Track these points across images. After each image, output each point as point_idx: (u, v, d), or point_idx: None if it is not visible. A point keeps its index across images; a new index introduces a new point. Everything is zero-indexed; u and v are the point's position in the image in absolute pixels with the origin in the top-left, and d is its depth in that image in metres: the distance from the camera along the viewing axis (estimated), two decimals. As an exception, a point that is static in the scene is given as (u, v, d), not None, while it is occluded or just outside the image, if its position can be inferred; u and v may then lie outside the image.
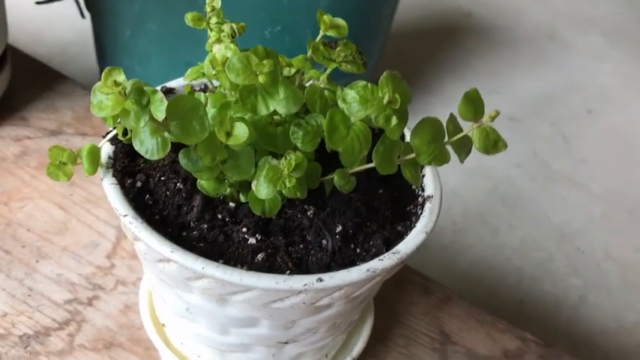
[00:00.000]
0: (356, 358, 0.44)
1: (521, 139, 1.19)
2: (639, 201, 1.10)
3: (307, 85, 0.37)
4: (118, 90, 0.26)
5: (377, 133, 0.34)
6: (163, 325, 0.41)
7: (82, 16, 0.83)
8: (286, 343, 0.36)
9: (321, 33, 0.34)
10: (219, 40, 0.34)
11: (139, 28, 0.72)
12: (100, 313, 0.48)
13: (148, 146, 0.29)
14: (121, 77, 0.26)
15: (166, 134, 0.29)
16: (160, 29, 0.70)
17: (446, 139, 0.30)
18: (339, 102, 0.29)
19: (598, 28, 1.57)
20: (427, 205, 0.36)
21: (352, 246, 0.34)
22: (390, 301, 0.54)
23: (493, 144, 0.28)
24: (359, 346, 0.44)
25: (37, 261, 0.51)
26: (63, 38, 1.18)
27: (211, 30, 0.35)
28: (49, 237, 0.54)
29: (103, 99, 0.27)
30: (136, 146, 0.29)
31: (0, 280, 0.49)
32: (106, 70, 0.26)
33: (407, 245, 0.33)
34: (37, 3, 0.78)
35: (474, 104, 0.28)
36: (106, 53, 0.81)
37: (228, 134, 0.30)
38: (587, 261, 0.96)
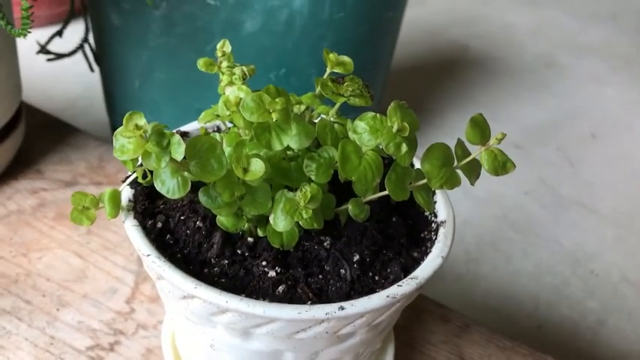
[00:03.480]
0: (379, 389, 0.44)
1: (527, 165, 1.20)
2: (651, 221, 1.09)
3: (317, 120, 0.38)
4: (140, 133, 0.27)
5: (387, 163, 0.35)
6: (187, 364, 0.42)
7: (92, 69, 0.85)
8: (310, 375, 0.37)
9: (328, 70, 0.36)
10: (231, 83, 0.36)
11: (147, 78, 0.74)
12: (122, 358, 0.49)
13: (169, 186, 0.30)
14: (141, 121, 0.28)
15: (186, 174, 0.30)
16: (169, 78, 0.72)
17: (455, 163, 0.31)
18: (350, 133, 0.30)
19: (596, 55, 1.60)
20: (441, 231, 0.37)
21: (370, 274, 0.35)
22: (409, 331, 0.54)
23: (502, 165, 0.29)
24: (382, 376, 0.44)
25: (57, 309, 0.52)
26: (72, 93, 1.21)
27: (223, 74, 0.36)
28: (68, 285, 0.54)
29: (125, 143, 0.28)
30: (158, 186, 0.30)
31: (22, 330, 0.50)
32: (127, 114, 0.28)
33: (424, 270, 0.34)
34: (49, 60, 0.81)
35: (480, 128, 0.29)
36: (115, 104, 0.83)
37: (245, 170, 0.31)
38: (604, 284, 0.95)
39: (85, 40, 0.81)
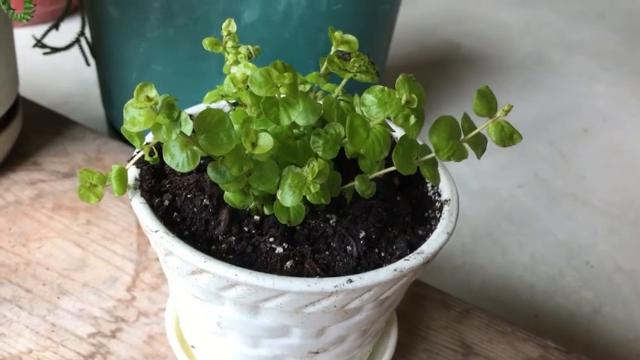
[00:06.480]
0: (383, 370, 0.44)
1: (521, 160, 1.21)
2: (642, 213, 1.11)
3: (322, 99, 0.39)
4: (151, 105, 0.28)
5: (394, 141, 0.36)
6: (192, 347, 0.42)
7: (87, 63, 0.85)
8: (317, 353, 0.37)
9: (333, 48, 0.36)
10: (236, 62, 0.36)
11: (145, 70, 0.74)
12: (124, 345, 0.49)
13: (178, 160, 0.30)
14: (152, 93, 0.28)
15: (195, 148, 0.30)
16: (167, 70, 0.72)
17: (462, 137, 0.31)
18: (358, 107, 0.31)
19: (586, 52, 1.62)
20: (445, 208, 0.38)
21: (376, 250, 0.35)
22: (410, 317, 0.54)
23: (509, 136, 0.29)
24: (386, 357, 0.44)
25: (58, 297, 0.52)
26: (66, 90, 1.21)
27: (228, 53, 0.36)
28: (68, 274, 0.54)
29: (136, 115, 0.28)
30: (167, 160, 0.30)
31: (23, 318, 0.50)
32: (138, 86, 0.28)
33: (430, 245, 0.34)
34: (45, 54, 0.80)
35: (487, 100, 0.29)
36: (112, 97, 0.83)
37: (254, 145, 0.31)
38: (598, 274, 0.96)
39: (82, 33, 0.81)
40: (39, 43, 0.79)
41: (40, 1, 1.32)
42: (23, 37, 0.84)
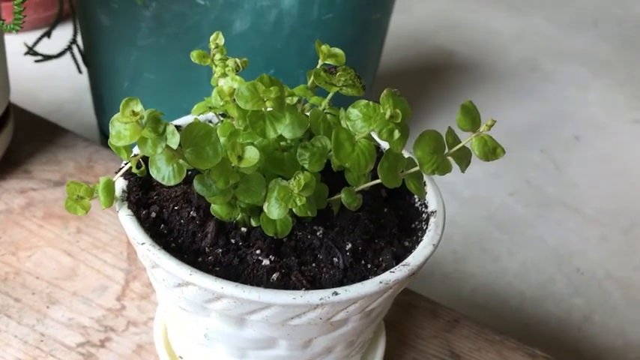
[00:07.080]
0: (371, 380, 0.45)
1: (512, 167, 1.21)
2: (633, 221, 1.12)
3: (309, 112, 0.39)
4: (136, 119, 0.28)
5: (380, 153, 0.36)
6: (180, 357, 0.42)
7: (80, 71, 0.85)
8: (304, 364, 0.37)
9: (320, 62, 0.36)
10: (224, 75, 0.36)
11: (136, 79, 0.74)
12: (113, 354, 0.49)
13: (164, 173, 0.30)
14: (138, 107, 0.28)
15: (181, 161, 0.30)
16: (158, 78, 0.73)
17: (446, 150, 0.31)
18: (343, 121, 0.31)
19: (578, 60, 1.63)
20: (432, 220, 0.38)
21: (363, 262, 0.35)
22: (399, 326, 0.54)
23: (492, 151, 0.30)
24: (373, 367, 0.45)
25: (47, 307, 0.52)
26: (58, 97, 1.21)
27: (216, 66, 0.37)
28: (58, 283, 0.54)
29: (122, 129, 0.29)
30: (153, 174, 0.30)
31: (12, 328, 0.50)
32: (124, 100, 0.28)
33: (416, 257, 0.35)
34: (36, 61, 0.80)
35: (470, 115, 0.30)
36: (104, 105, 0.83)
37: (240, 158, 0.31)
38: (588, 281, 0.97)
39: (74, 41, 0.81)
40: (30, 51, 0.79)
41: (33, 8, 1.32)
42: (15, 43, 0.84)
